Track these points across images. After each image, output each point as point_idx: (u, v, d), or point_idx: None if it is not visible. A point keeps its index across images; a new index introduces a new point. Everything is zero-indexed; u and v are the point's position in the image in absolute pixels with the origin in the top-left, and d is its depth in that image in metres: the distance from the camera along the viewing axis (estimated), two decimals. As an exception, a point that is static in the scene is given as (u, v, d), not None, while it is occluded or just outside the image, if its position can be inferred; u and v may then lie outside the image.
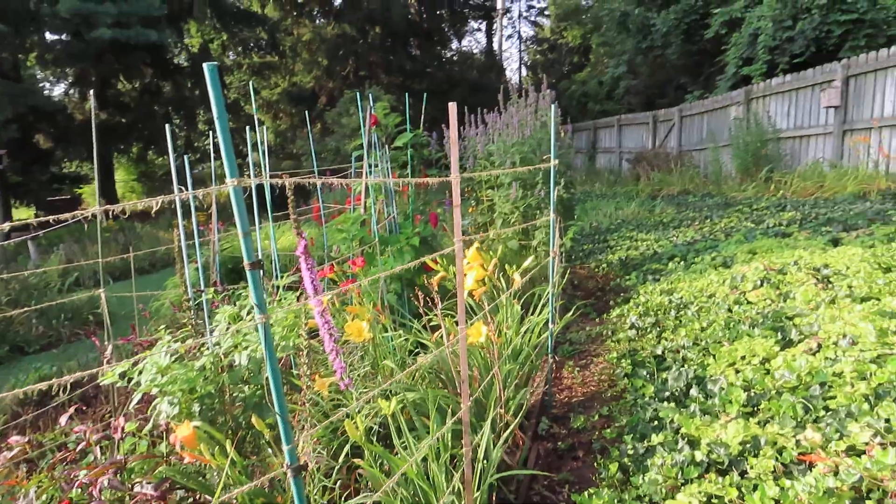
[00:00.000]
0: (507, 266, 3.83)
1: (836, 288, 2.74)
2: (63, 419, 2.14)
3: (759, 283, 3.05)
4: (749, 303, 2.90)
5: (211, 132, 4.84)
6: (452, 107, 1.52)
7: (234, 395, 2.11)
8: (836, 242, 3.92)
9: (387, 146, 4.03)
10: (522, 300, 3.07)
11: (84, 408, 3.19)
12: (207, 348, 2.14)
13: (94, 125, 2.51)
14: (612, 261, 4.96)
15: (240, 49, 22.44)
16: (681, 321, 2.97)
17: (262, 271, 0.79)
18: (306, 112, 6.08)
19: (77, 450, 2.05)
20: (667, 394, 2.20)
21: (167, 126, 2.51)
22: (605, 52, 20.81)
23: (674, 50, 14.57)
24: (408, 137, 3.93)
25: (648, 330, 2.99)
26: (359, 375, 2.13)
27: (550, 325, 2.70)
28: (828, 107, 8.07)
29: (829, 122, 8.19)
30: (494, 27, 30.95)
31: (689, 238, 4.96)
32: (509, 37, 43.15)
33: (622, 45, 16.93)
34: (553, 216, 2.56)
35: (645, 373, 2.43)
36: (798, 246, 3.81)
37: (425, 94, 4.21)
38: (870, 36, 9.33)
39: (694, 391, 2.11)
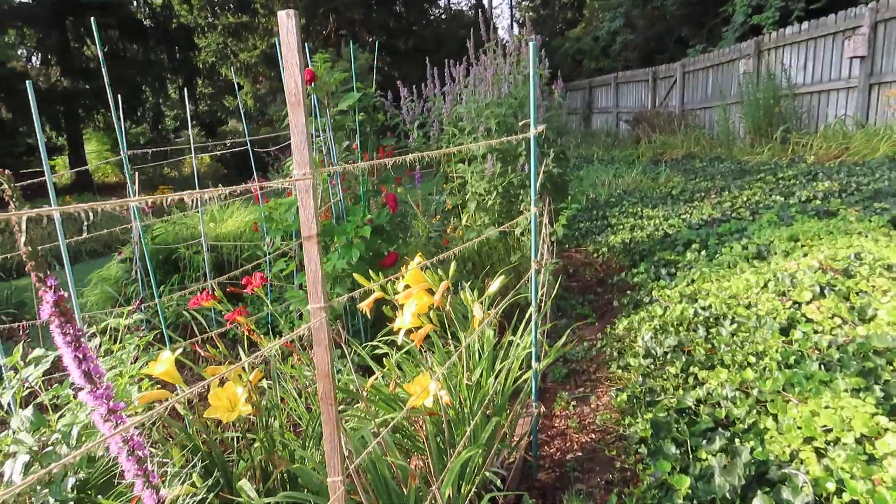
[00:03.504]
0: (482, 258, 2.99)
1: (939, 303, 1.94)
2: None
3: (818, 289, 2.24)
4: (809, 321, 2.10)
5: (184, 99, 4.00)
6: (285, 18, 0.68)
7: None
8: (897, 224, 3.10)
9: (329, 110, 3.17)
10: (501, 308, 2.27)
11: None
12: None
13: None
14: (614, 244, 4.14)
15: (208, 8, 21.13)
16: (714, 346, 2.17)
17: None
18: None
19: None
20: (712, 497, 1.41)
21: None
22: (600, 5, 19.61)
23: (673, 0, 13.49)
24: (354, 98, 3.06)
25: (669, 359, 2.19)
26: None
27: (534, 364, 1.90)
28: (853, 57, 7.15)
29: (853, 75, 7.27)
30: (484, -18, 29.46)
31: (707, 216, 4.13)
32: (500, -7, 41.47)
33: (618, -4, 15.82)
34: (534, 211, 1.73)
35: (672, 447, 1.63)
36: (852, 230, 2.99)
37: (377, 43, 3.34)
38: (895, -23, 8.35)
39: (759, 499, 1.32)
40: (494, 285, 1.60)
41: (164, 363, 1.37)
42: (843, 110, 7.43)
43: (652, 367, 2.22)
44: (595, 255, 4.25)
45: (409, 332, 1.63)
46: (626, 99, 13.51)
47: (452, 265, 1.57)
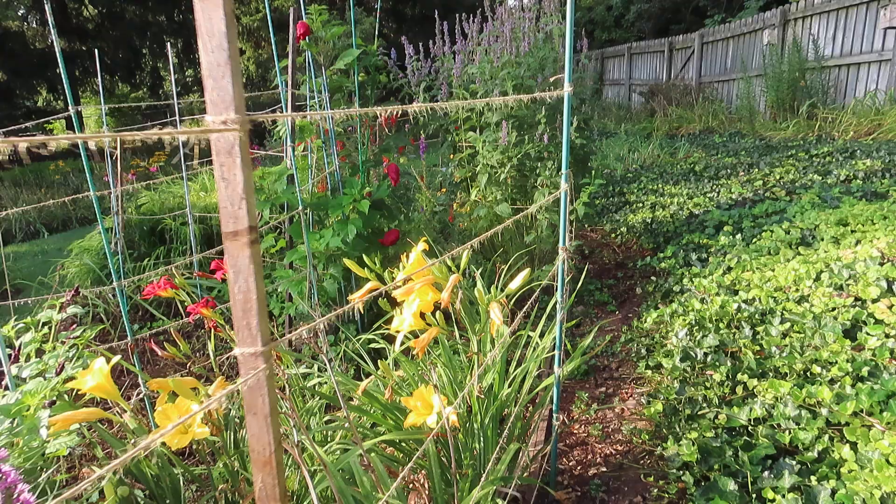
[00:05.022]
0: (493, 238, 2.70)
1: None
2: None
3: (885, 285, 1.93)
4: (879, 322, 1.79)
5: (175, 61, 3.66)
6: None
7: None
8: (957, 208, 2.78)
9: (324, 69, 2.83)
10: (514, 297, 1.97)
11: None
12: None
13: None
14: (634, 224, 3.82)
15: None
16: (762, 348, 1.87)
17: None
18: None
19: None
20: (788, 553, 1.12)
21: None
22: (615, -28, 18.90)
23: (694, -33, 12.93)
24: (353, 55, 2.72)
25: (711, 362, 1.89)
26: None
27: (557, 370, 1.61)
28: (888, 28, 6.73)
29: (886, 47, 6.85)
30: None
31: (737, 195, 3.80)
32: (510, -41, 40.37)
33: (634, -38, 15.18)
34: (564, 188, 1.42)
35: (730, 483, 1.34)
36: (909, 214, 2.67)
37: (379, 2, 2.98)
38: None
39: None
40: (516, 282, 1.29)
41: (95, 375, 1.08)
42: (874, 84, 7.02)
43: (691, 373, 1.92)
44: (613, 235, 3.93)
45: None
46: (639, 71, 13.02)
47: (465, 255, 1.26)
